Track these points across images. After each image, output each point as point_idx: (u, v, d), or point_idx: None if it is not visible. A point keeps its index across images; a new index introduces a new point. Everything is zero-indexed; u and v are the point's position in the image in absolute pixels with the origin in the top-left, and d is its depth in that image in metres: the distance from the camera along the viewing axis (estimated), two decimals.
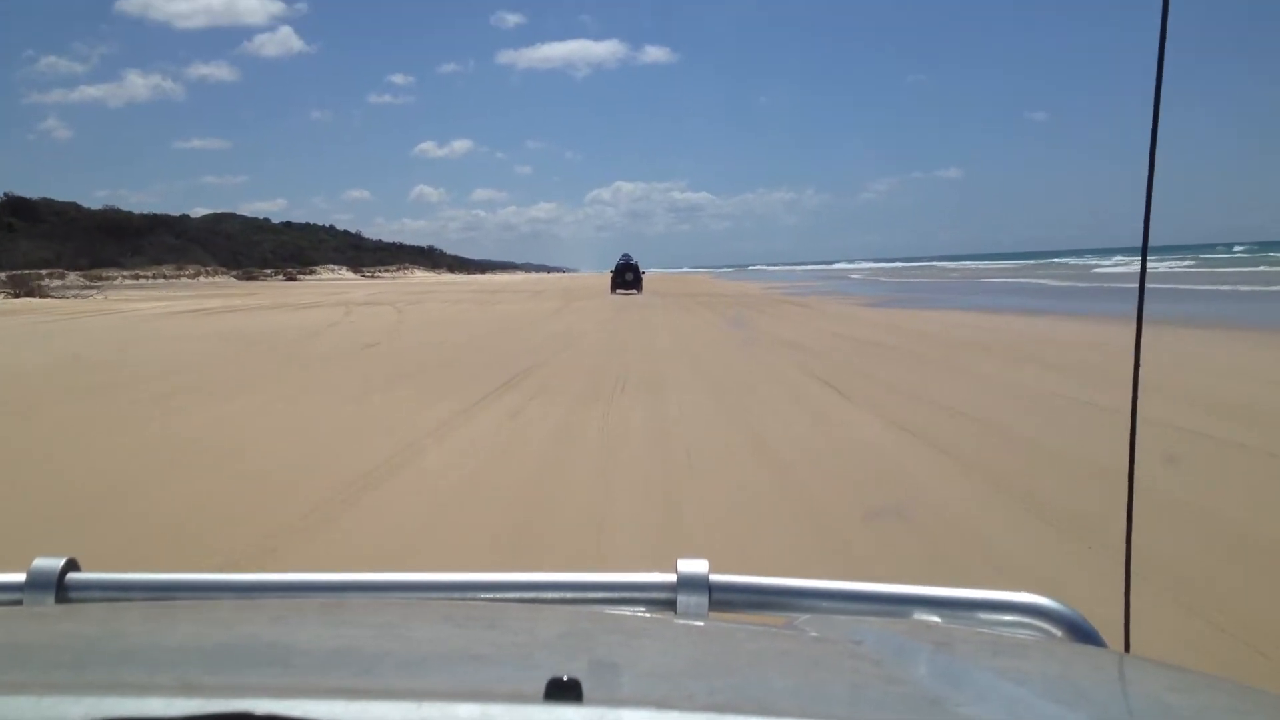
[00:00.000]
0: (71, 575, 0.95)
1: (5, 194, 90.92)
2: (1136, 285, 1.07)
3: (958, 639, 0.85)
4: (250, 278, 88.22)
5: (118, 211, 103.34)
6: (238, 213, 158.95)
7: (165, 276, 73.69)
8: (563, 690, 0.53)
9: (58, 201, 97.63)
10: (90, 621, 0.86)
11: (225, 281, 74.85)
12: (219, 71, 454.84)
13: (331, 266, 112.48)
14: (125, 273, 70.79)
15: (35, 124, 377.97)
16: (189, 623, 0.84)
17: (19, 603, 0.93)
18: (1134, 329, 1.05)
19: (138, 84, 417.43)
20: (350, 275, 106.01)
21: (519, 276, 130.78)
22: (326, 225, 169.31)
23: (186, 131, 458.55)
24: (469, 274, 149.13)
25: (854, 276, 74.19)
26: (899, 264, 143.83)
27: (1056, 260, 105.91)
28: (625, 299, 32.47)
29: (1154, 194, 1.00)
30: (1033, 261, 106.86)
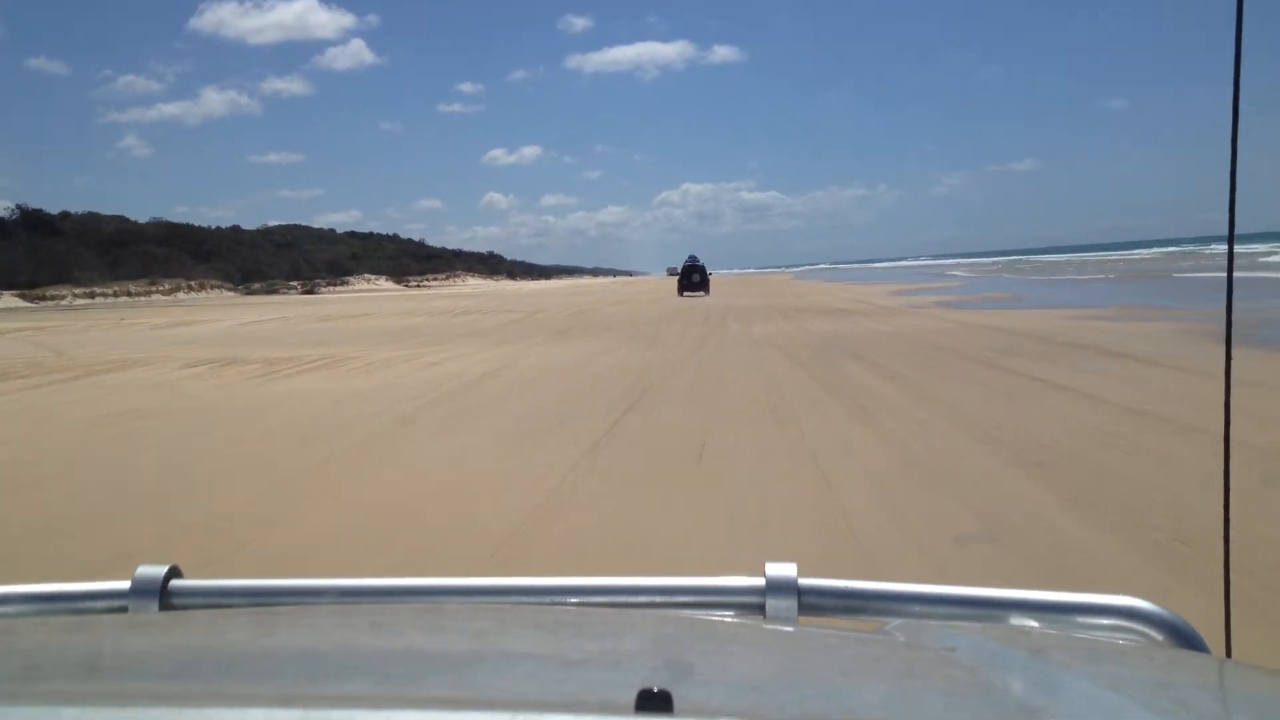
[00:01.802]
0: (175, 582, 0.95)
1: (18, 206, 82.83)
2: None
3: (1053, 645, 0.80)
4: (272, 291, 78.16)
5: (162, 224, 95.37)
6: (312, 225, 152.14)
7: (129, 294, 62.52)
8: (653, 701, 0.53)
9: (104, 215, 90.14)
10: (193, 630, 0.86)
11: (208, 297, 63.80)
12: (292, 85, 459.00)
13: (368, 276, 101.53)
14: (78, 289, 59.71)
15: (114, 142, 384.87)
16: (288, 629, 0.86)
17: (124, 609, 0.93)
18: None
19: (214, 100, 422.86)
20: (389, 286, 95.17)
21: (563, 283, 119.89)
22: (391, 234, 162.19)
23: (262, 146, 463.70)
24: (532, 280, 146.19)
25: (959, 274, 59.80)
26: (984, 259, 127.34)
27: (1170, 250, 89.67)
28: (680, 330, 19.25)
29: (1240, 182, 0.98)
30: (1148, 251, 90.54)
